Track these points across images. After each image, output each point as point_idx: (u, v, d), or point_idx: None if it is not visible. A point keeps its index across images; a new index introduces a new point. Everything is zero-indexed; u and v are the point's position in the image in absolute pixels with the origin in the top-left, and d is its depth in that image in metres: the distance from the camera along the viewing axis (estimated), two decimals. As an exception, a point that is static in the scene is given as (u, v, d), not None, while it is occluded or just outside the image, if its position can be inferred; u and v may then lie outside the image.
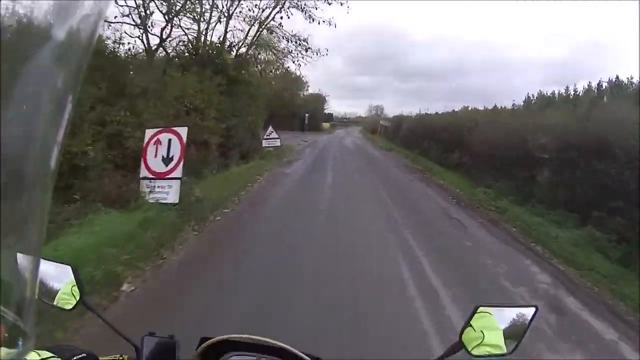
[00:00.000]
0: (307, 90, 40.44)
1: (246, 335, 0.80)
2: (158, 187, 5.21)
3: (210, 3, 10.65)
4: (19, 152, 0.31)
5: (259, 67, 14.21)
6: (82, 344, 0.98)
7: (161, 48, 9.41)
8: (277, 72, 22.08)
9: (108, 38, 7.76)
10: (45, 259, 0.76)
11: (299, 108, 34.85)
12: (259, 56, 14.26)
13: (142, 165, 5.21)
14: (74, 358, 0.72)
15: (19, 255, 0.33)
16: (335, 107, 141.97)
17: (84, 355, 0.74)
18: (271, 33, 13.01)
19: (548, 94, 22.13)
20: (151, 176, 5.19)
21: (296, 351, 0.76)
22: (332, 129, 53.65)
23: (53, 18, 0.31)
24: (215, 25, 11.04)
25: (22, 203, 0.31)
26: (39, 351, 0.67)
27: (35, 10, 0.30)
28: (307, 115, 33.98)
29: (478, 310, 0.76)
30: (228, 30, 11.22)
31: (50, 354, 0.68)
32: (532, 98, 21.92)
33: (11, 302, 0.32)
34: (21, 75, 0.30)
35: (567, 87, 16.63)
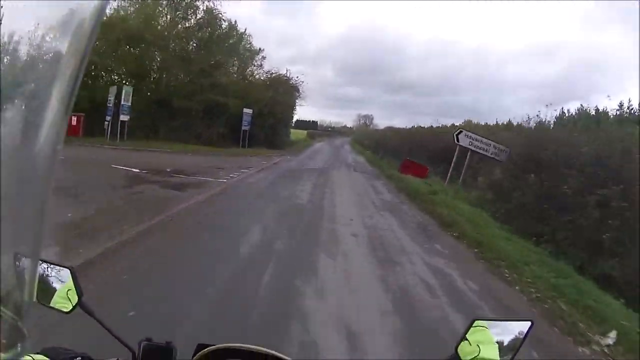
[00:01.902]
0: (257, 64, 27.19)
1: (243, 345, 0.86)
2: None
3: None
4: (19, 152, 0.33)
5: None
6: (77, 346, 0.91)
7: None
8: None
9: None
10: (44, 260, 0.84)
11: (232, 97, 22.20)
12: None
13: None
14: None
15: (19, 257, 0.34)
16: (321, 115, 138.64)
17: (80, 358, 0.79)
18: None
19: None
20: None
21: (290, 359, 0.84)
22: (309, 140, 46.74)
23: (53, 18, 0.33)
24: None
25: (22, 204, 0.33)
26: (34, 355, 0.69)
27: (35, 10, 0.32)
28: (247, 113, 21.14)
29: (474, 324, 0.81)
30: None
31: (45, 358, 0.71)
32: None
33: (11, 303, 0.33)
34: (21, 76, 0.32)
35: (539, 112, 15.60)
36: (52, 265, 0.86)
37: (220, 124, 21.60)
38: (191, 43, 22.79)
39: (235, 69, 24.71)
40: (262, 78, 26.39)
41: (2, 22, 0.31)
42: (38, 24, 0.32)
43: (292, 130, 42.80)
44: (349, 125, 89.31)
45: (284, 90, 25.43)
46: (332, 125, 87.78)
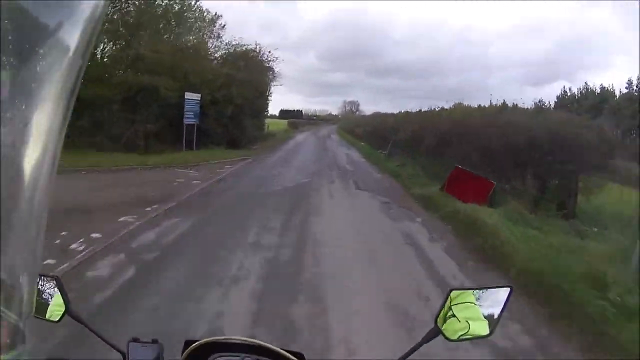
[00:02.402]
0: (214, 34, 19.13)
1: (230, 337, 0.90)
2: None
3: None
4: (19, 153, 0.32)
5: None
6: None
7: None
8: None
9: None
10: None
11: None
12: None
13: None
14: None
15: (19, 257, 0.35)
16: (306, 104, 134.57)
17: None
18: None
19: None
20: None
21: (278, 349, 0.86)
22: (291, 132, 38.31)
23: (53, 18, 0.33)
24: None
25: (22, 203, 0.33)
26: None
27: (35, 10, 0.32)
28: (192, 99, 13.76)
29: (451, 294, 0.81)
30: None
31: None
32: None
33: (11, 304, 0.33)
34: (21, 76, 0.32)
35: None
36: (38, 276, 0.84)
37: (150, 118, 14.34)
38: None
39: (172, 37, 16.40)
40: (218, 53, 18.65)
41: (2, 21, 0.31)
42: (39, 24, 0.32)
43: (272, 121, 36.85)
44: (334, 113, 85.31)
45: (252, 69, 18.10)
46: (317, 114, 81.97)
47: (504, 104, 14.12)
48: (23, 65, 0.32)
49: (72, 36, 0.34)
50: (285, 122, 48.70)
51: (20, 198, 0.33)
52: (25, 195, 0.33)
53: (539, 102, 18.01)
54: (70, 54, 0.34)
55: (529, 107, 13.53)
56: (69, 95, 0.35)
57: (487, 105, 15.40)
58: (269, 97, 22.54)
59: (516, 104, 13.39)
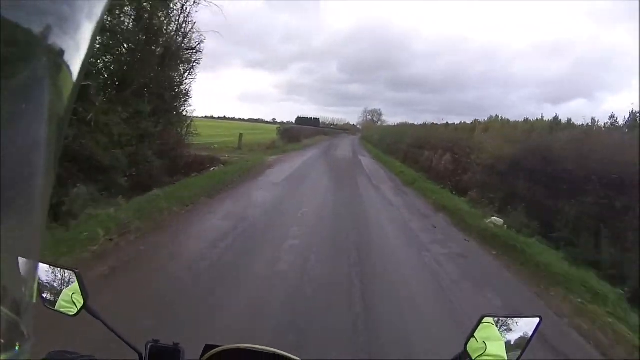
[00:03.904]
0: None
1: (252, 345, 0.87)
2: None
3: None
4: (18, 152, 0.32)
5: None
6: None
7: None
8: None
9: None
10: (48, 264, 0.88)
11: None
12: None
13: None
14: None
15: (18, 256, 0.35)
16: (323, 113, 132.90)
17: None
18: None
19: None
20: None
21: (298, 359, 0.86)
22: (278, 152, 19.20)
23: (53, 17, 0.33)
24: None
25: (22, 202, 0.33)
26: None
27: (35, 10, 0.32)
28: None
29: (483, 321, 0.82)
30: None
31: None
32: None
33: (10, 303, 0.34)
34: (21, 75, 0.32)
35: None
36: (57, 269, 0.88)
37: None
38: None
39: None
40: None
41: (2, 21, 0.30)
42: (39, 24, 0.32)
43: (264, 127, 34.94)
44: (351, 123, 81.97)
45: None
46: (335, 123, 79.15)
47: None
48: (23, 65, 0.32)
49: (72, 35, 0.34)
50: (271, 127, 36.11)
51: (20, 197, 0.33)
52: (25, 194, 0.33)
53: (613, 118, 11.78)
54: (71, 53, 0.34)
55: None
56: (69, 95, 0.35)
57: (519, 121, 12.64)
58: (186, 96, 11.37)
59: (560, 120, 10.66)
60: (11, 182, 0.31)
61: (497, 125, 13.49)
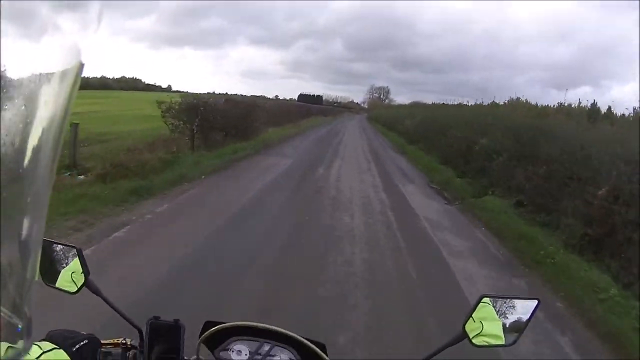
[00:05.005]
0: None
1: (251, 322, 0.87)
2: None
3: None
4: (19, 153, 0.33)
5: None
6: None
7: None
8: None
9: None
10: (50, 240, 0.87)
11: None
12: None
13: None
14: (77, 346, 0.76)
15: (18, 254, 0.35)
16: (326, 91, 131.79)
17: (86, 341, 0.78)
18: None
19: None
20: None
21: (299, 337, 0.85)
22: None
23: (52, 16, 0.33)
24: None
25: (23, 197, 0.34)
26: (39, 343, 0.71)
27: (36, 10, 0.32)
28: None
29: (482, 301, 0.82)
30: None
31: (51, 345, 0.71)
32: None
33: (10, 299, 0.34)
34: (21, 75, 0.33)
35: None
36: (58, 245, 0.88)
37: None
38: None
39: None
40: None
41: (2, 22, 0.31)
42: (39, 23, 0.33)
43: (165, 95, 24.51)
44: (355, 101, 79.68)
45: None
46: (338, 100, 76.94)
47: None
48: (23, 65, 0.32)
49: (73, 35, 0.34)
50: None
51: (22, 192, 0.33)
52: (26, 190, 0.34)
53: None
54: (71, 53, 0.34)
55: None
56: (69, 95, 0.35)
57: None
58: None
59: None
60: (12, 181, 0.32)
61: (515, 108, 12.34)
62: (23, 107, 0.32)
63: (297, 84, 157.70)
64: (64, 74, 0.34)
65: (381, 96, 67.87)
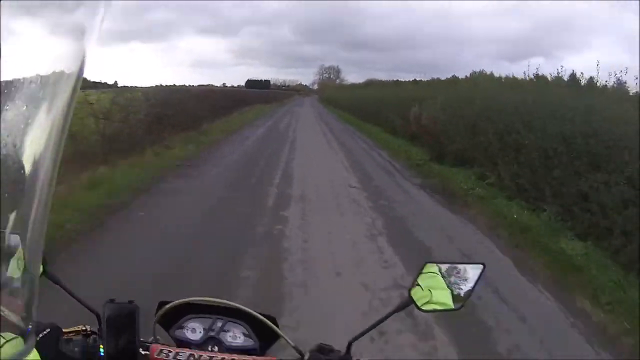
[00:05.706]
0: None
1: (203, 298, 0.90)
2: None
3: None
4: (19, 152, 0.33)
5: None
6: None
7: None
8: None
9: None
10: None
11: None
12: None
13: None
14: (40, 335, 0.75)
15: (19, 255, 0.35)
16: (275, 75, 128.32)
17: (49, 330, 0.78)
18: None
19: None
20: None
21: (251, 311, 0.88)
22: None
23: (53, 17, 0.33)
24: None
25: (25, 197, 0.34)
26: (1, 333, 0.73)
27: (36, 10, 0.32)
28: None
29: (425, 267, 0.84)
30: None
31: (13, 335, 0.63)
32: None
33: (11, 302, 0.33)
34: (22, 75, 0.32)
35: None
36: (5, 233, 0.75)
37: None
38: None
39: None
40: None
41: (2, 22, 0.31)
42: (39, 23, 0.33)
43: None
44: (304, 84, 76.78)
45: None
46: (287, 84, 73.33)
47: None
48: (23, 65, 0.32)
49: (73, 36, 0.34)
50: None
51: (22, 200, 0.33)
52: (27, 197, 0.33)
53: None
54: (71, 53, 0.34)
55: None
56: (70, 95, 0.35)
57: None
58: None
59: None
60: (12, 180, 0.31)
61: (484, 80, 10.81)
62: (24, 108, 0.32)
63: (247, 71, 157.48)
64: (65, 75, 0.33)
65: (331, 76, 64.96)
